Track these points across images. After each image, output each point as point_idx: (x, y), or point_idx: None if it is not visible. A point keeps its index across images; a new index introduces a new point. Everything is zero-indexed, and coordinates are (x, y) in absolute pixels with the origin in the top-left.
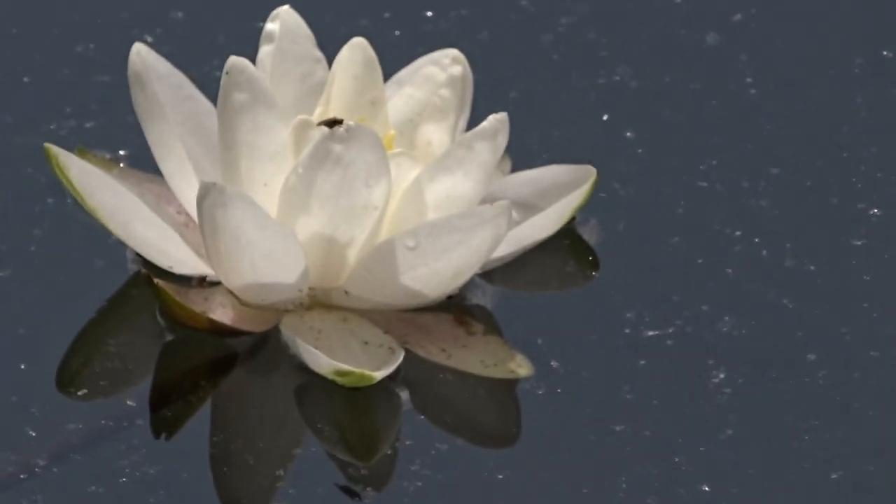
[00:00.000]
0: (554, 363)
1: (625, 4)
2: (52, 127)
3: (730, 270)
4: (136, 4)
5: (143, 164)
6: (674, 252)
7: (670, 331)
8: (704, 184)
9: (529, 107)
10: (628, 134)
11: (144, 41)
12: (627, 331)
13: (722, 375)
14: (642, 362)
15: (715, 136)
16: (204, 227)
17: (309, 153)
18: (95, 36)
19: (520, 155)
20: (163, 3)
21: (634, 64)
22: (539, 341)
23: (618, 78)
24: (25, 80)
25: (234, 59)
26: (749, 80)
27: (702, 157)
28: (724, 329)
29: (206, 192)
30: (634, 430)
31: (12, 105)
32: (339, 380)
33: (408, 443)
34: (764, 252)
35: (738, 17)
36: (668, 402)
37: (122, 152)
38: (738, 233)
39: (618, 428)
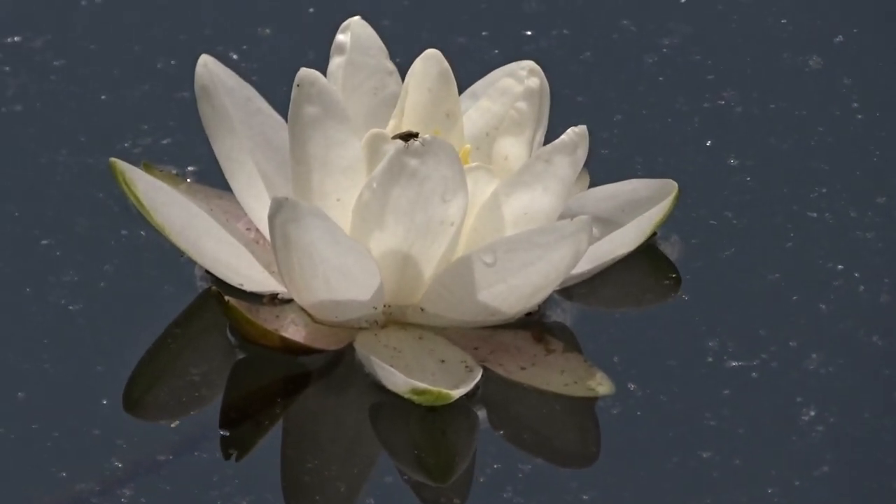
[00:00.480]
0: (631, 385)
1: (727, 25)
2: (125, 145)
3: (823, 306)
4: (221, 21)
5: (211, 179)
6: (771, 284)
7: (755, 363)
8: (814, 214)
9: (634, 130)
10: (732, 161)
11: (230, 58)
12: (710, 359)
13: (812, 413)
14: (725, 392)
15: (823, 164)
16: (276, 243)
17: (383, 167)
18: (177, 52)
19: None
20: (249, 19)
21: (739, 88)
22: (615, 360)
23: (722, 102)
24: (102, 97)
25: (304, 72)
26: (855, 104)
27: (810, 185)
28: (811, 367)
29: (279, 208)
30: (722, 457)
31: (87, 123)
32: (415, 399)
33: (496, 466)
34: (861, 287)
35: (839, 38)
36: (757, 433)
37: (189, 168)
38: (839, 266)
39: (704, 454)
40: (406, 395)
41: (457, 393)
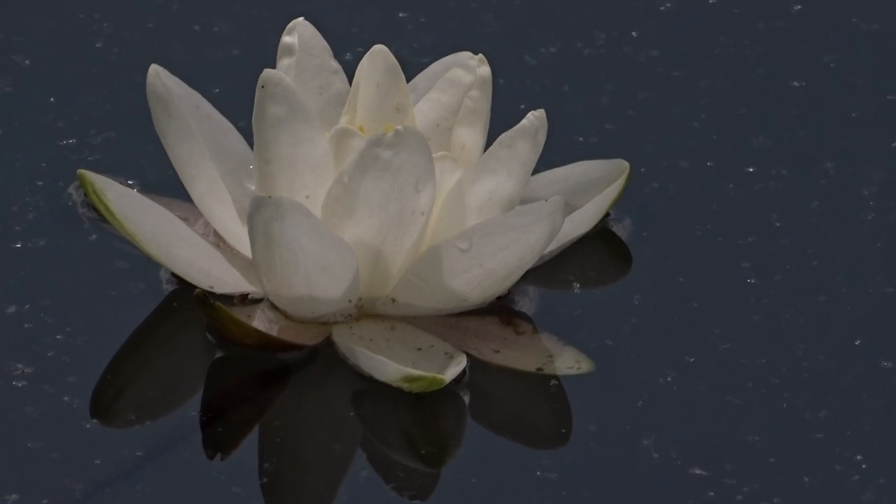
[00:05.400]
0: (600, 363)
1: None
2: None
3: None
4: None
5: (156, 189)
6: None
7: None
8: None
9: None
10: None
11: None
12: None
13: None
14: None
15: None
16: (256, 241)
17: (355, 160)
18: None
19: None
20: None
21: None
22: (582, 338)
23: None
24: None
25: (268, 73)
26: None
27: None
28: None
29: (260, 206)
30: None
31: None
32: (405, 386)
33: (485, 448)
34: None
35: None
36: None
37: (129, 182)
38: None
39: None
40: (396, 384)
41: (448, 377)
